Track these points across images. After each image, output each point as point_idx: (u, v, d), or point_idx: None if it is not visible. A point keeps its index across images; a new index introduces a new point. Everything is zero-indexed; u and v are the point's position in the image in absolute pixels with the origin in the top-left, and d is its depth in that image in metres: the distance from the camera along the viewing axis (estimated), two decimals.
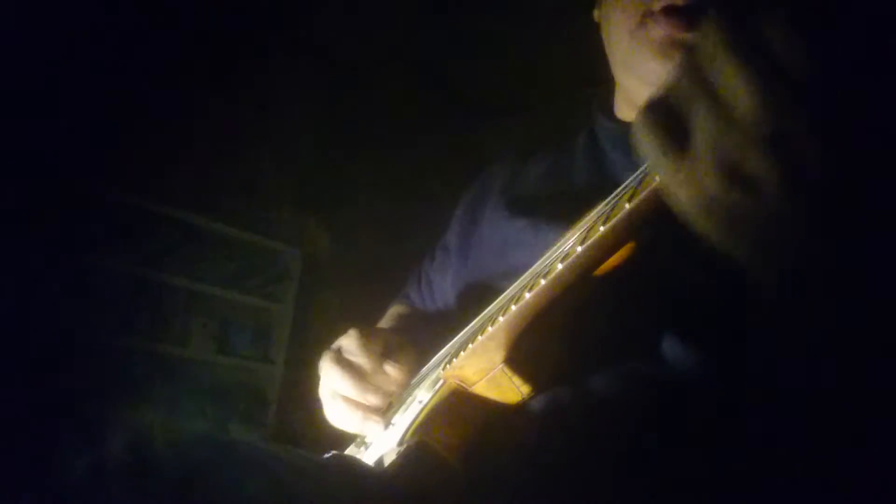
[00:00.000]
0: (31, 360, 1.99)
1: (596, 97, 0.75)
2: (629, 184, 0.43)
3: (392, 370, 0.66)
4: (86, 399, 2.11)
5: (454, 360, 0.54)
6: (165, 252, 2.51)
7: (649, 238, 0.43)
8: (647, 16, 0.59)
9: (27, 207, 2.06)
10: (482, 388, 0.52)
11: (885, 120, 0.30)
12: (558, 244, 0.52)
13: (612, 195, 0.45)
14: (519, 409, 0.52)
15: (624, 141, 0.67)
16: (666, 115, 0.34)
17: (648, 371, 0.48)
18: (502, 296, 0.56)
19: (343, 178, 2.99)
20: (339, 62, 3.01)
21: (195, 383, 2.59)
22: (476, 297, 0.62)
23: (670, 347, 0.47)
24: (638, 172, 0.43)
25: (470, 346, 0.52)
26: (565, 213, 0.56)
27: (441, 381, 0.56)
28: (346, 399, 0.66)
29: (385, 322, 0.90)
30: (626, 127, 0.70)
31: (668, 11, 0.57)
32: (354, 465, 0.57)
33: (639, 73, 0.63)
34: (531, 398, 0.51)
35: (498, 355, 0.50)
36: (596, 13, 0.71)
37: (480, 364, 0.51)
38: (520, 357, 0.50)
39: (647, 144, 0.35)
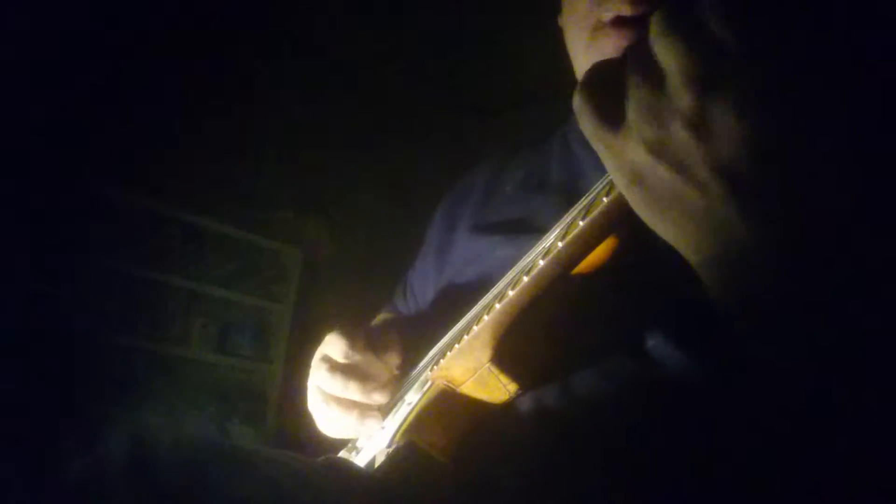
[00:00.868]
0: (31, 360, 1.99)
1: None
2: (608, 178, 0.43)
3: (383, 355, 0.66)
4: (86, 399, 2.12)
5: (441, 360, 0.54)
6: (165, 252, 2.51)
7: (629, 232, 0.44)
8: (597, 29, 0.59)
9: (27, 207, 2.06)
10: (470, 389, 0.52)
11: (811, 102, 0.30)
12: (540, 242, 0.52)
13: (592, 190, 0.45)
14: (507, 408, 0.51)
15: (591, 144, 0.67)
16: (604, 85, 0.35)
17: (634, 370, 0.48)
18: (487, 295, 0.56)
19: (343, 178, 2.99)
20: (339, 62, 3.01)
21: (195, 383, 2.59)
22: (455, 303, 0.62)
23: (656, 346, 0.47)
24: None
25: (456, 346, 0.52)
26: (542, 218, 0.56)
27: (429, 383, 0.56)
28: (341, 401, 0.65)
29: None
30: None
31: (617, 23, 0.56)
32: (347, 468, 0.57)
33: None
34: (519, 397, 0.51)
35: (484, 354, 0.50)
36: (559, 19, 0.71)
37: (467, 364, 0.51)
38: (506, 355, 0.50)
39: (583, 116, 0.36)
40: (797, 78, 0.30)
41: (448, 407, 0.53)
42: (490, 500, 0.47)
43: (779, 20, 0.30)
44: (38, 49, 2.10)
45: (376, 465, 0.59)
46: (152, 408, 2.31)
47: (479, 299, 0.58)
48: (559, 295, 0.47)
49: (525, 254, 0.55)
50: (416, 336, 0.71)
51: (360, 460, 0.65)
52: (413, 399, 0.58)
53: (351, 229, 2.97)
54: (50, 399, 1.99)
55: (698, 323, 0.46)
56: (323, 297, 2.85)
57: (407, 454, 0.51)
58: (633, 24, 0.56)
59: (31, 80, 2.09)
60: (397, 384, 0.67)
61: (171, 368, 2.52)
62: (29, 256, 2.06)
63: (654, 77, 0.33)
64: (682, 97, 0.32)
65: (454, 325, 0.61)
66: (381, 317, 0.91)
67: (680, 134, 0.32)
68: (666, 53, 0.32)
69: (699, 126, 0.31)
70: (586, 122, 0.36)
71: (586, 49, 0.61)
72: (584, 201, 0.46)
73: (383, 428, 0.62)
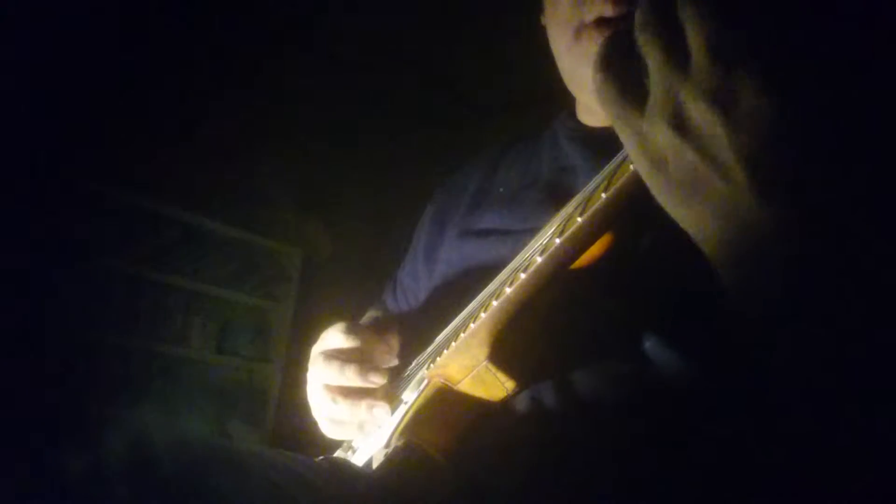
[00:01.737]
0: (30, 360, 1.99)
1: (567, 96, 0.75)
2: (605, 174, 0.43)
3: (384, 334, 0.65)
4: (86, 399, 2.12)
5: (438, 358, 0.54)
6: (165, 252, 2.51)
7: (627, 228, 0.44)
8: (580, 29, 0.59)
9: (27, 207, 2.06)
10: (467, 386, 0.52)
11: (832, 86, 0.30)
12: (536, 239, 0.52)
13: (590, 186, 0.45)
14: (504, 407, 0.51)
15: (582, 141, 0.67)
16: (623, 64, 0.34)
17: (632, 371, 0.48)
18: (483, 292, 0.56)
19: (343, 178, 2.99)
20: (339, 62, 3.01)
21: (195, 383, 2.59)
22: (447, 302, 0.62)
23: (653, 347, 0.47)
24: (612, 162, 0.44)
25: (453, 343, 0.52)
26: (534, 217, 0.56)
27: (426, 381, 0.55)
28: (346, 392, 0.63)
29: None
30: (584, 128, 0.70)
31: (600, 24, 0.57)
32: (345, 468, 0.57)
33: (580, 86, 0.64)
34: (516, 395, 0.51)
35: (481, 352, 0.50)
36: (542, 19, 0.71)
37: (464, 361, 0.51)
38: (503, 353, 0.50)
39: (605, 97, 0.35)
40: (828, 58, 0.30)
41: (445, 405, 0.52)
42: (488, 498, 0.48)
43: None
44: (38, 49, 2.10)
45: (374, 464, 0.59)
46: (152, 408, 2.31)
47: (472, 298, 0.58)
48: (556, 293, 0.47)
49: (518, 252, 0.55)
50: (409, 333, 0.71)
51: (358, 459, 0.65)
52: (410, 398, 0.57)
53: (351, 229, 2.97)
54: (50, 399, 1.99)
55: (695, 324, 0.46)
56: (323, 297, 2.85)
57: (405, 455, 0.50)
58: (615, 25, 0.56)
59: (31, 80, 2.09)
60: (395, 373, 0.66)
61: (171, 368, 2.52)
62: (29, 256, 2.06)
63: (678, 51, 0.32)
64: (707, 72, 0.31)
65: (448, 323, 0.61)
66: (370, 314, 0.91)
67: (705, 111, 0.31)
68: (691, 23, 0.31)
69: (725, 104, 0.31)
70: (610, 104, 0.35)
71: (569, 50, 0.61)
72: (581, 197, 0.46)
73: (380, 427, 0.62)
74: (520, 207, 0.66)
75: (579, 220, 0.43)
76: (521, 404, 0.51)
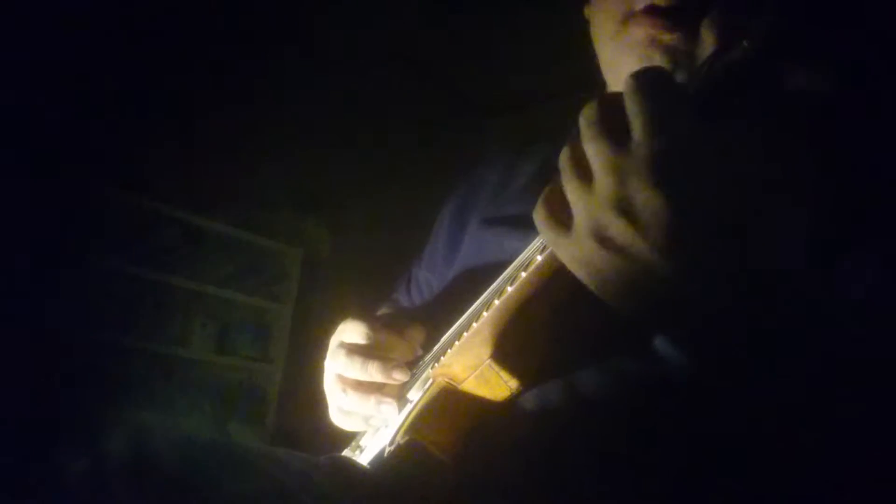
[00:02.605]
0: (30, 360, 1.99)
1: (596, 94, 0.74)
2: None
3: (405, 332, 0.65)
4: (86, 399, 2.12)
5: (442, 358, 0.54)
6: (165, 252, 2.51)
7: None
8: (628, 16, 0.58)
9: (27, 207, 2.06)
10: (471, 386, 0.52)
11: (702, 176, 0.35)
12: (539, 237, 0.52)
13: None
14: (509, 405, 0.51)
15: None
16: (555, 198, 0.41)
17: (639, 369, 0.48)
18: (488, 291, 0.56)
19: (343, 178, 2.99)
20: (339, 62, 3.01)
21: (195, 383, 2.59)
22: (463, 297, 0.62)
23: (660, 345, 0.47)
24: None
25: (457, 343, 0.52)
26: None
27: (430, 381, 0.55)
28: (359, 386, 0.63)
29: None
30: None
31: (650, 11, 0.56)
32: (348, 466, 0.57)
33: (618, 76, 0.63)
34: (520, 393, 0.51)
35: (484, 351, 0.50)
36: (586, 10, 0.71)
37: (468, 361, 0.51)
38: (506, 352, 0.50)
39: (540, 228, 0.42)
40: (697, 148, 0.36)
41: (449, 405, 0.52)
42: (492, 497, 0.47)
43: (670, 103, 0.36)
44: (38, 49, 2.10)
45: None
46: (152, 408, 2.31)
47: (480, 298, 0.58)
48: (561, 291, 0.47)
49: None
50: (428, 327, 0.71)
51: (365, 459, 0.65)
52: (415, 397, 0.57)
53: (351, 229, 2.97)
54: (50, 399, 1.99)
55: (702, 324, 0.46)
56: (323, 297, 2.85)
57: (408, 452, 0.50)
58: (665, 14, 0.55)
59: (31, 81, 2.09)
60: (416, 367, 0.65)
61: (171, 368, 2.52)
62: (29, 256, 2.06)
63: (584, 175, 0.38)
64: (605, 186, 0.37)
65: (457, 320, 0.61)
66: (383, 311, 0.90)
67: (615, 222, 0.37)
68: (589, 150, 0.38)
69: (627, 209, 0.36)
70: (543, 232, 0.42)
71: (614, 37, 0.60)
72: None
73: (386, 426, 0.62)
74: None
75: None
76: (527, 403, 0.51)
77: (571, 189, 0.39)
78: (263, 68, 2.77)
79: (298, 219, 2.91)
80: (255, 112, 2.74)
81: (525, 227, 0.65)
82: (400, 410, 0.60)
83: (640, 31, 0.57)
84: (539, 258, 0.46)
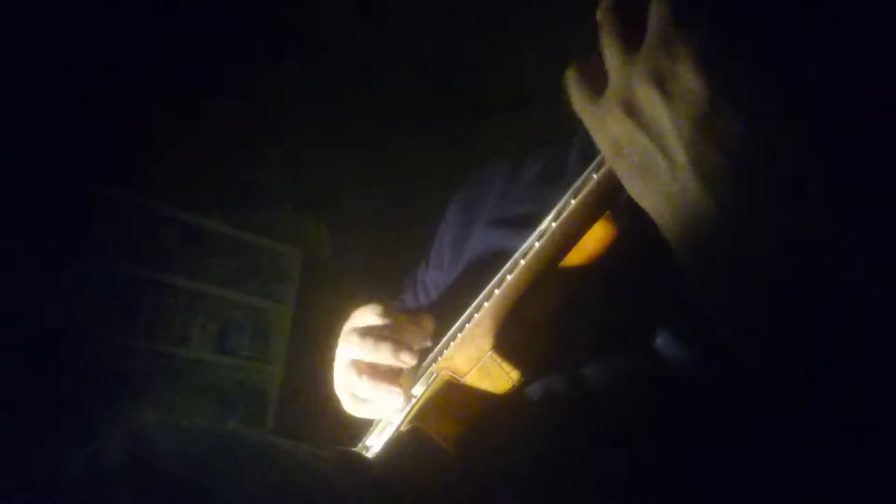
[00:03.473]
0: (31, 360, 1.99)
1: None
2: (599, 157, 0.43)
3: (418, 319, 0.65)
4: (86, 399, 2.12)
5: (445, 351, 0.54)
6: (165, 252, 2.51)
7: (622, 212, 0.44)
8: None
9: (27, 207, 2.06)
10: (474, 378, 0.52)
11: (763, 66, 0.32)
12: (539, 225, 0.52)
13: (585, 171, 0.46)
14: (512, 397, 0.51)
15: None
16: (591, 62, 0.37)
17: (642, 366, 0.48)
18: (490, 283, 0.56)
19: (343, 177, 2.99)
20: (339, 62, 3.01)
21: (195, 383, 2.59)
22: (469, 295, 0.62)
23: (664, 342, 0.47)
24: None
25: (459, 335, 0.52)
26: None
27: (434, 375, 0.56)
28: (371, 370, 0.63)
29: None
30: None
31: None
32: (352, 457, 0.57)
33: None
34: (523, 385, 0.51)
35: (486, 342, 0.50)
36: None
37: (469, 353, 0.51)
38: (507, 343, 0.50)
39: (571, 92, 0.38)
40: (758, 49, 0.32)
41: (453, 397, 0.52)
42: (495, 487, 0.47)
43: None
44: (38, 49, 2.10)
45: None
46: (152, 408, 2.31)
47: (483, 290, 0.58)
48: (559, 282, 0.47)
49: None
50: (437, 322, 0.71)
51: (371, 454, 0.65)
52: (419, 392, 0.57)
53: (351, 229, 2.97)
54: (50, 399, 1.99)
55: (706, 320, 0.46)
56: (323, 297, 2.85)
57: (411, 440, 0.51)
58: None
59: (31, 80, 2.09)
60: (425, 354, 0.65)
61: (170, 368, 2.52)
62: (29, 256, 2.06)
63: (632, 40, 0.34)
64: (652, 54, 0.33)
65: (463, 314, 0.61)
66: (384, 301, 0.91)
67: (649, 93, 0.33)
68: (654, 10, 0.33)
69: (666, 84, 0.32)
70: (573, 94, 0.38)
71: None
72: (578, 182, 0.46)
73: (391, 423, 0.62)
74: (545, 198, 0.67)
75: (573, 202, 0.44)
76: (531, 397, 0.51)
77: (611, 48, 0.35)
78: (264, 68, 2.77)
79: (298, 219, 2.91)
80: (255, 112, 2.74)
81: (532, 227, 0.65)
82: (405, 405, 0.60)
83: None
84: (537, 245, 0.46)
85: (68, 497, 0.39)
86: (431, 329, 0.66)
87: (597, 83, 0.37)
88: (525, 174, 0.76)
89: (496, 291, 0.49)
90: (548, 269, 0.46)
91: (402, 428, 0.53)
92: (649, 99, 0.33)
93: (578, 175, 0.67)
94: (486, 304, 0.50)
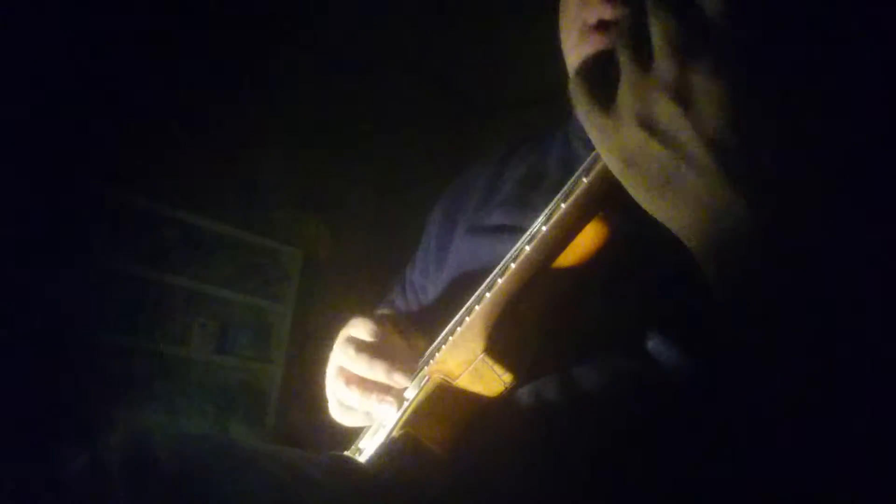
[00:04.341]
0: (31, 359, 1.99)
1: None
2: (589, 161, 0.43)
3: (409, 339, 0.65)
4: (86, 399, 2.12)
5: (437, 354, 0.54)
6: (165, 252, 2.51)
7: (614, 215, 0.44)
8: (583, 31, 0.59)
9: (27, 207, 2.06)
10: (466, 381, 0.52)
11: (791, 74, 0.31)
12: (528, 229, 0.52)
13: (575, 174, 0.46)
14: (505, 401, 0.51)
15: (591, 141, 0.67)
16: (597, 71, 0.37)
17: (634, 369, 0.48)
18: (481, 286, 0.56)
19: (343, 178, 2.99)
20: (339, 62, 3.01)
21: (195, 383, 2.59)
22: (456, 300, 0.62)
23: (655, 345, 0.47)
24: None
25: (450, 339, 0.52)
26: (539, 215, 0.56)
27: (426, 378, 0.55)
28: (362, 382, 0.63)
29: None
30: None
31: (600, 26, 0.57)
32: (346, 462, 0.57)
33: None
34: (515, 388, 0.51)
35: (478, 345, 0.50)
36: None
37: (461, 356, 0.51)
38: (499, 346, 0.50)
39: (577, 101, 0.37)
40: (773, 41, 0.31)
41: (444, 400, 0.52)
42: (486, 492, 0.48)
43: None
44: (38, 48, 2.10)
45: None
46: (152, 408, 2.31)
47: (474, 294, 0.58)
48: (550, 285, 0.47)
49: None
50: (423, 333, 0.71)
51: (363, 460, 0.65)
52: (411, 395, 0.57)
53: (351, 229, 2.97)
54: (50, 399, 1.99)
55: (698, 324, 0.46)
56: (323, 297, 2.85)
57: (403, 445, 0.51)
58: (615, 27, 0.56)
59: (31, 80, 2.09)
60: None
61: (171, 368, 2.52)
62: (29, 256, 2.06)
63: (642, 51, 0.34)
64: (666, 67, 0.32)
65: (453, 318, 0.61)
66: (380, 313, 0.90)
67: (667, 105, 0.33)
68: (653, 26, 0.33)
69: (683, 95, 0.32)
70: (580, 106, 0.37)
71: (574, 50, 0.61)
72: (568, 185, 0.46)
73: (384, 426, 0.62)
74: (526, 205, 0.66)
75: (563, 205, 0.44)
76: (522, 400, 0.51)
77: (624, 62, 0.34)
78: (264, 68, 2.77)
79: (298, 219, 2.91)
80: (255, 112, 2.74)
81: (513, 231, 0.65)
82: (399, 409, 0.60)
83: (591, 47, 0.57)
84: (527, 248, 0.46)
85: (68, 497, 0.39)
86: (422, 349, 0.66)
87: (600, 88, 0.36)
88: (506, 180, 0.75)
89: (487, 295, 0.49)
90: (539, 272, 0.47)
91: (395, 432, 0.53)
92: (666, 110, 0.33)
93: (559, 179, 0.67)
94: (477, 307, 0.50)
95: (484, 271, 0.57)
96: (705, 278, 0.36)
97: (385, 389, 0.63)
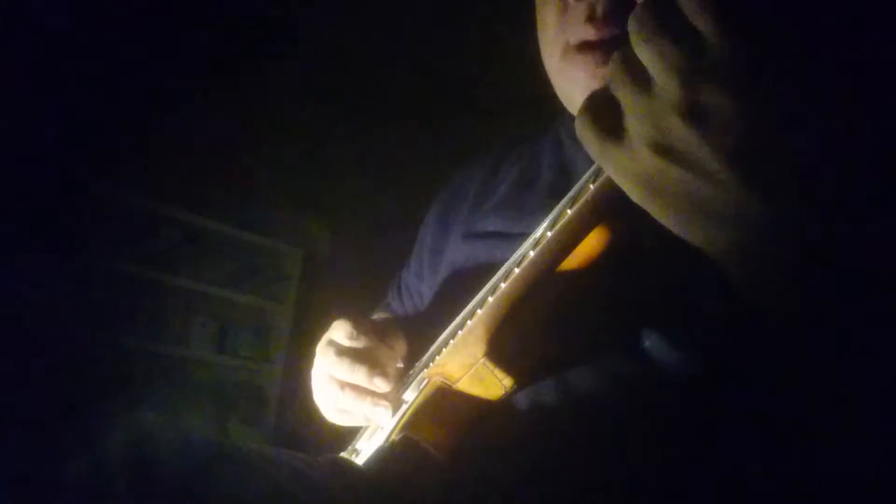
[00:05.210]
0: (31, 360, 1.99)
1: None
2: (596, 166, 0.43)
3: (390, 342, 0.65)
4: (86, 399, 2.12)
5: (437, 357, 0.54)
6: (165, 252, 2.51)
7: (619, 221, 0.44)
8: (566, 52, 0.59)
9: (27, 207, 2.06)
10: (466, 385, 0.52)
11: (792, 75, 0.31)
12: (532, 233, 0.52)
13: (581, 180, 0.46)
14: (504, 404, 0.51)
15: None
16: (601, 107, 0.36)
17: (632, 369, 0.48)
18: (482, 290, 0.56)
19: (343, 177, 2.99)
20: (339, 61, 3.01)
21: (195, 383, 2.59)
22: (451, 303, 0.62)
23: (654, 346, 0.47)
24: None
25: (451, 342, 0.52)
26: (534, 217, 0.56)
27: (426, 381, 0.55)
28: (354, 387, 0.63)
29: None
30: None
31: (583, 48, 0.57)
32: (345, 465, 0.57)
33: (570, 102, 0.65)
34: (515, 392, 0.51)
35: (478, 349, 0.50)
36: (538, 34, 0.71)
37: (462, 359, 0.51)
38: (500, 350, 0.50)
39: (587, 139, 0.37)
40: (777, 50, 0.31)
41: (444, 404, 0.52)
42: (486, 495, 0.48)
43: (738, 4, 0.31)
44: (38, 49, 2.10)
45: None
46: (152, 408, 2.31)
47: (475, 297, 0.58)
48: (554, 290, 0.47)
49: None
50: (414, 336, 0.71)
51: (360, 461, 0.65)
52: (411, 398, 0.57)
53: (351, 229, 2.97)
54: (50, 399, 1.99)
55: (694, 324, 0.46)
56: (323, 297, 2.85)
57: (403, 449, 0.51)
58: (598, 48, 0.56)
59: (31, 81, 2.09)
60: (400, 378, 0.66)
61: (171, 368, 2.52)
62: (29, 256, 2.06)
63: (642, 80, 0.33)
64: (670, 90, 0.32)
65: (451, 323, 0.61)
66: (375, 316, 0.90)
67: (679, 126, 0.32)
68: (647, 54, 0.33)
69: (694, 114, 0.32)
70: (590, 144, 0.37)
71: (558, 71, 0.62)
72: (573, 190, 0.46)
73: (382, 428, 0.62)
74: (521, 209, 0.66)
75: (569, 211, 0.44)
76: (521, 403, 0.51)
77: (625, 94, 0.34)
78: (263, 68, 2.77)
79: (298, 219, 2.91)
80: (255, 112, 2.74)
81: (508, 232, 0.65)
82: (395, 412, 0.60)
83: (575, 69, 0.58)
84: (532, 254, 0.46)
85: (68, 497, 0.39)
86: (403, 351, 0.66)
87: (608, 123, 0.36)
88: (501, 180, 0.75)
89: (490, 299, 0.49)
90: (542, 277, 0.46)
91: (394, 435, 0.53)
92: (682, 132, 0.32)
93: (552, 182, 0.67)
94: (479, 311, 0.50)
95: (479, 276, 0.57)
96: (732, 288, 0.36)
97: (375, 393, 0.63)
